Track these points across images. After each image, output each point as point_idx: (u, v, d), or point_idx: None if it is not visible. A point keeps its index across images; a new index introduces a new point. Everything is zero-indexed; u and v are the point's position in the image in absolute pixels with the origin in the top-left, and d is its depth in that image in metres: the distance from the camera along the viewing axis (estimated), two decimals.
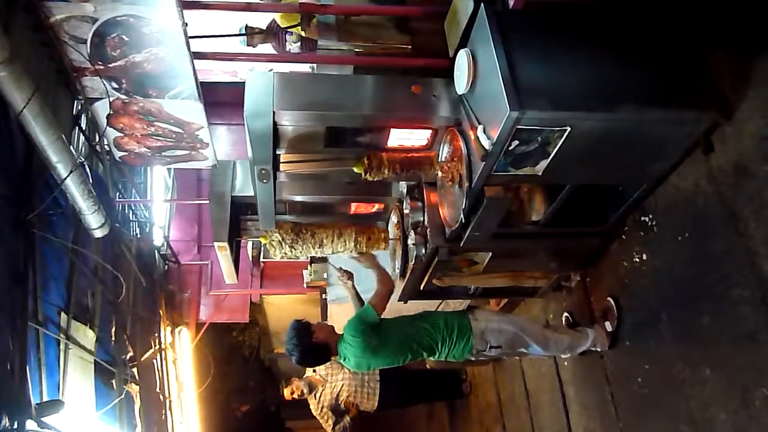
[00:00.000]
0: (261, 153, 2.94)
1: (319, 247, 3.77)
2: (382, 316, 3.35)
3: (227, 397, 9.29)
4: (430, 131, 3.14)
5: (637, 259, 3.35)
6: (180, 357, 6.36)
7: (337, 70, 3.54)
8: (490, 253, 3.61)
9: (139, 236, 5.70)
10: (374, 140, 3.19)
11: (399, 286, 3.96)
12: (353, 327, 3.22)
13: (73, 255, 3.83)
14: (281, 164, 3.30)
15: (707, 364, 2.85)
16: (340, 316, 4.78)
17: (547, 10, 2.77)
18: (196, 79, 3.16)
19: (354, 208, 4.19)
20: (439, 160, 3.21)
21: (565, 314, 4.16)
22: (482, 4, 2.67)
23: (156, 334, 5.77)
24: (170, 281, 6.72)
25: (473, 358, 3.50)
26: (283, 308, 8.30)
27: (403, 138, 3.18)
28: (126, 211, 5.54)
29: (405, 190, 3.72)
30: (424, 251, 3.49)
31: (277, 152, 3.11)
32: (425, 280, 3.74)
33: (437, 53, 3.22)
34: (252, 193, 3.36)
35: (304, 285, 6.67)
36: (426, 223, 3.49)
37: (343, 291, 3.75)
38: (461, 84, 2.82)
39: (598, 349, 3.66)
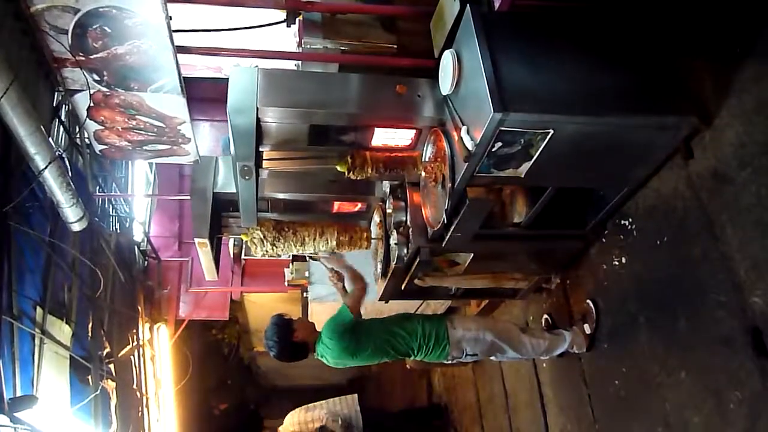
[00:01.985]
0: (244, 149, 2.92)
1: (301, 246, 3.75)
2: (364, 316, 3.35)
3: (205, 395, 9.22)
4: (414, 131, 3.15)
5: (617, 263, 3.38)
6: (158, 354, 6.29)
7: (322, 68, 3.52)
8: (472, 254, 3.63)
9: (118, 231, 5.63)
10: (358, 139, 3.19)
11: (380, 286, 3.96)
12: (330, 329, 3.22)
13: (50, 248, 3.78)
14: (264, 161, 3.28)
15: (683, 368, 2.89)
16: (321, 314, 4.77)
17: (532, 12, 2.79)
18: (179, 73, 3.13)
19: (337, 206, 4.18)
20: (423, 160, 3.21)
21: (545, 316, 4.19)
22: (468, 5, 2.69)
23: (134, 331, 5.70)
24: (149, 277, 6.64)
25: (449, 363, 3.51)
26: (264, 306, 8.25)
27: (387, 137, 3.18)
28: (106, 206, 5.47)
29: (388, 190, 3.71)
30: (406, 251, 3.50)
31: (260, 149, 3.10)
32: (407, 280, 3.74)
33: (423, 53, 3.23)
34: (234, 190, 3.34)
35: (286, 283, 6.62)
36: (408, 223, 3.49)
37: (324, 290, 3.74)
38: (446, 84, 2.83)
39: (576, 351, 3.69)
